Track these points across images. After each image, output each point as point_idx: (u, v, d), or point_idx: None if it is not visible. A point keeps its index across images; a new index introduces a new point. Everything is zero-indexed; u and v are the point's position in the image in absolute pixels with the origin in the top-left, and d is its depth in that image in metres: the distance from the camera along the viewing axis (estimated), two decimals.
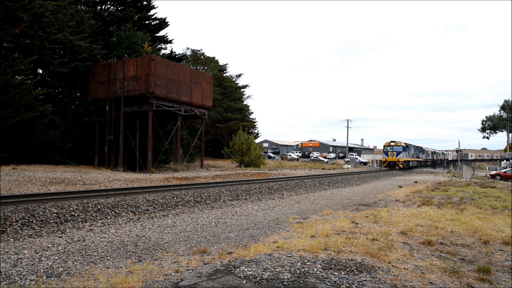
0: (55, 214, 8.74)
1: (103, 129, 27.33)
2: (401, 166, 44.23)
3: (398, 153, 44.32)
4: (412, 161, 50.32)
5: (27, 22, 22.42)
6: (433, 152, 70.01)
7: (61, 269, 5.45)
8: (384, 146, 46.75)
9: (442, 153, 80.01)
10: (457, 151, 65.61)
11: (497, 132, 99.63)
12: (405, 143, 46.23)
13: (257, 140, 57.40)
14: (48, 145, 23.67)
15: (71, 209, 9.28)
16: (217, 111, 52.13)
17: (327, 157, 76.94)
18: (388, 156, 45.51)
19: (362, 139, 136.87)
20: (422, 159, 57.40)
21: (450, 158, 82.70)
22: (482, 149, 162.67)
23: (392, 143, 45.44)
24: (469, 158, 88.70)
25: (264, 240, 7.22)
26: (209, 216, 10.52)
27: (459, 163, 51.99)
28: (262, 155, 41.30)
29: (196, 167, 31.73)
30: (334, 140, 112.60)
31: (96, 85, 27.61)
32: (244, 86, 66.76)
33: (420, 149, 56.64)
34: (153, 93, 24.40)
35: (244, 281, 4.55)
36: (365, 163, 63.49)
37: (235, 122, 53.78)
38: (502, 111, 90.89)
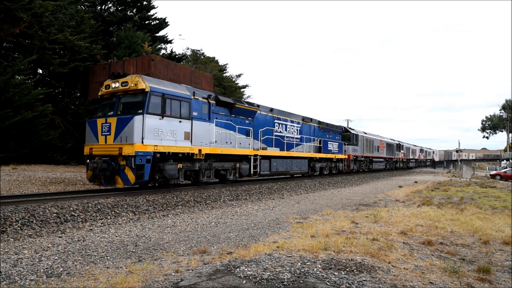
0: (55, 214, 8.74)
1: None
2: (154, 182, 12.57)
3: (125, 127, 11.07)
4: (275, 158, 18.51)
5: (27, 22, 22.40)
6: (398, 145, 42.90)
7: (61, 269, 5.45)
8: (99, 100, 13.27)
9: (421, 149, 61.43)
10: (457, 151, 65.18)
11: (497, 132, 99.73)
12: (231, 99, 16.45)
13: None
14: (48, 145, 23.65)
15: (71, 209, 9.27)
16: None
17: None
18: (97, 138, 11.72)
19: None
20: (342, 157, 26.86)
21: (437, 159, 75.24)
22: (482, 149, 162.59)
23: (114, 85, 12.23)
24: (453, 158, 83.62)
25: (264, 240, 7.21)
26: (209, 216, 10.51)
27: (459, 163, 51.90)
28: None
29: None
30: None
31: (96, 85, 27.48)
32: (244, 86, 66.68)
33: (339, 132, 27.66)
34: None
35: (244, 281, 4.56)
36: None
37: None
38: (502, 111, 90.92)
